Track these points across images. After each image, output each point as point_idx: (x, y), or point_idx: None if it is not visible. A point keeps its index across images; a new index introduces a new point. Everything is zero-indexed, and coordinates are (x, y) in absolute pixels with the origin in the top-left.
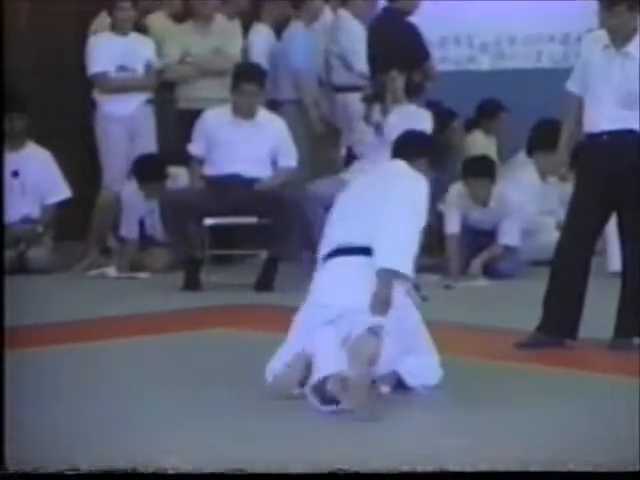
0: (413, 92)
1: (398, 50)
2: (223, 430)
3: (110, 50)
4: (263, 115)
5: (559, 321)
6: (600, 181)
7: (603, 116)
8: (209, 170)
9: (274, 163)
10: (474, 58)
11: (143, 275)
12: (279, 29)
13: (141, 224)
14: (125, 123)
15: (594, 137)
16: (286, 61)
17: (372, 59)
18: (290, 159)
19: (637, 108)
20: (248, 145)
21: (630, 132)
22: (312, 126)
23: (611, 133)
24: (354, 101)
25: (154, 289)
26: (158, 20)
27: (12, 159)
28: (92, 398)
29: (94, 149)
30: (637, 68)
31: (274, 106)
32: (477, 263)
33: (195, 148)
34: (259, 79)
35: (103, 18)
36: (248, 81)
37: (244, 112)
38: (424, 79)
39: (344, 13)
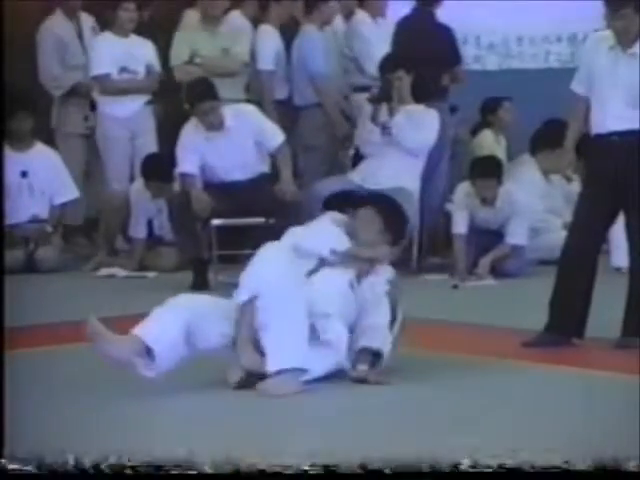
0: (439, 95)
1: (426, 50)
2: (228, 428)
3: (112, 52)
4: (230, 114)
5: (566, 320)
6: (608, 181)
7: (610, 116)
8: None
9: (262, 147)
10: (481, 58)
11: (151, 275)
12: (284, 30)
13: (149, 224)
14: (126, 124)
15: (602, 137)
16: (304, 66)
17: (384, 58)
18: (275, 138)
19: None
20: (233, 152)
21: (638, 132)
22: (335, 128)
23: (618, 133)
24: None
25: (162, 289)
26: (192, 18)
27: (20, 159)
28: (97, 397)
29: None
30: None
31: (296, 111)
32: (485, 262)
33: (188, 166)
34: (211, 93)
35: (56, 18)
36: (202, 100)
37: (213, 126)
38: (452, 82)
39: (361, 15)
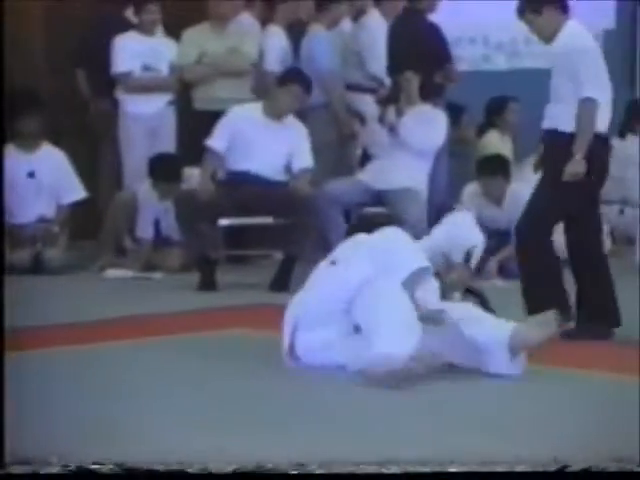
0: (434, 93)
1: (418, 50)
2: (236, 430)
3: (135, 50)
4: (289, 118)
5: (596, 315)
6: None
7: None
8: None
9: (287, 165)
10: (489, 57)
11: (158, 275)
12: (292, 30)
13: (156, 224)
14: (147, 123)
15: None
16: (313, 66)
17: (390, 60)
18: (305, 161)
19: (563, 104)
20: (269, 145)
21: (554, 132)
22: (343, 128)
23: (544, 131)
24: (368, 102)
25: (169, 289)
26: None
27: (27, 160)
28: (102, 399)
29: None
30: (560, 63)
31: (304, 111)
32: (493, 263)
33: (217, 142)
34: (307, 85)
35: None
36: (296, 82)
37: (277, 112)
38: (445, 80)
39: (374, 13)
